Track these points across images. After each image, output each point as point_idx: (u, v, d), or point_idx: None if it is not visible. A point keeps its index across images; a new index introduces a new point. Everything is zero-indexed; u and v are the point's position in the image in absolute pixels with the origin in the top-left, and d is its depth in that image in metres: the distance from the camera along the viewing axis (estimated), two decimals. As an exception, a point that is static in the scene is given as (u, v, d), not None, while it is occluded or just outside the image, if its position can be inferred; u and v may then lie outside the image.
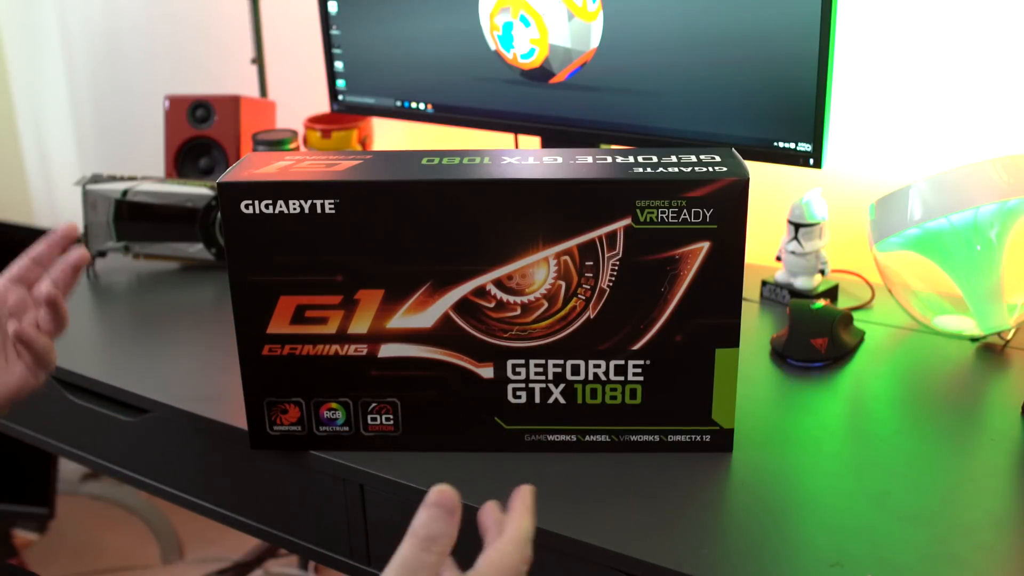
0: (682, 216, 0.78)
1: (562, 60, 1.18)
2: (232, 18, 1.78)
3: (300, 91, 1.67)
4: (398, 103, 1.35)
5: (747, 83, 1.07)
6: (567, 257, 0.80)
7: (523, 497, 0.59)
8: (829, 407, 0.97)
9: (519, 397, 0.86)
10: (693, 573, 0.72)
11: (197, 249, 1.31)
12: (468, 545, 0.85)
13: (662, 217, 0.78)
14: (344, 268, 0.82)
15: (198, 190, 1.29)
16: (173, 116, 1.50)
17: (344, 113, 1.42)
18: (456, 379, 0.85)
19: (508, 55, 1.22)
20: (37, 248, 0.87)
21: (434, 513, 0.52)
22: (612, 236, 0.79)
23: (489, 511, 0.60)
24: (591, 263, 0.80)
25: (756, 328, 1.13)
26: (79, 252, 0.87)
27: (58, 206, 2.30)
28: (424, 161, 0.83)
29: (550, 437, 0.87)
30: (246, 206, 0.80)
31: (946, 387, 1.00)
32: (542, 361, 0.84)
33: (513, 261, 0.81)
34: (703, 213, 0.78)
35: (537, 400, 0.86)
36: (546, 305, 0.82)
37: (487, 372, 0.85)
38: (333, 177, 0.80)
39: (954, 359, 1.05)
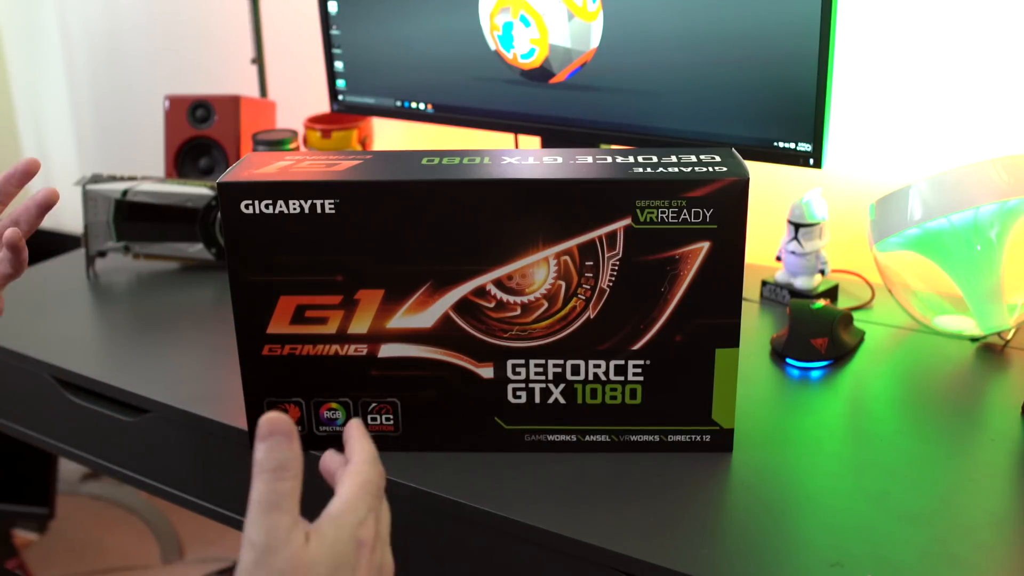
0: (682, 216, 0.78)
1: (562, 60, 1.18)
2: (232, 18, 1.78)
3: (300, 91, 1.67)
4: (398, 103, 1.35)
5: (747, 83, 1.07)
6: (567, 257, 0.80)
7: (355, 426, 0.60)
8: (829, 407, 0.97)
9: (519, 397, 0.86)
10: (693, 573, 0.72)
11: (197, 249, 1.31)
12: (456, 539, 0.85)
13: (662, 217, 0.78)
14: (344, 268, 0.82)
15: (198, 190, 1.29)
16: (173, 116, 1.50)
17: (344, 113, 1.42)
18: (456, 379, 0.85)
19: (508, 55, 1.22)
20: None
21: (272, 442, 0.50)
22: (612, 236, 0.79)
23: (330, 456, 0.60)
24: (591, 263, 0.80)
25: (756, 328, 1.13)
26: (47, 191, 0.80)
27: (58, 206, 2.29)
28: (424, 161, 0.83)
29: (550, 437, 0.87)
30: (246, 206, 0.80)
31: (946, 387, 1.00)
32: (542, 361, 0.84)
33: (513, 261, 0.81)
34: (703, 213, 0.78)
35: (537, 400, 0.86)
36: (546, 305, 0.82)
37: (487, 372, 0.85)
38: (333, 177, 0.80)
39: (954, 359, 1.05)
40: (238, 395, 0.88)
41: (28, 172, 0.83)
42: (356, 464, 0.57)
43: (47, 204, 0.81)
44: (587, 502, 0.81)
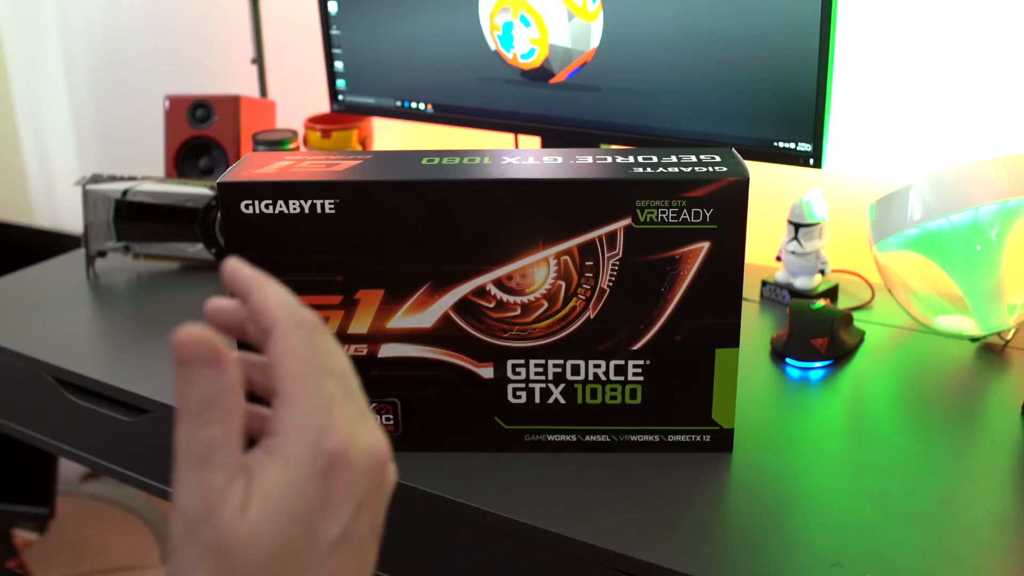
0: (682, 216, 0.78)
1: (562, 60, 1.18)
2: (232, 18, 1.78)
3: (300, 91, 1.67)
4: (398, 103, 1.35)
5: (747, 83, 1.07)
6: (567, 257, 0.80)
7: (241, 269, 0.40)
8: (829, 407, 0.97)
9: (519, 397, 0.86)
10: (693, 573, 0.72)
11: (197, 249, 1.31)
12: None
13: (662, 217, 0.78)
14: (344, 268, 0.82)
15: (198, 190, 1.29)
16: (173, 116, 1.50)
17: (344, 113, 1.42)
18: (456, 379, 0.85)
19: (508, 55, 1.22)
20: None
21: (192, 373, 0.36)
22: (612, 236, 0.79)
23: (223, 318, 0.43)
24: (591, 263, 0.80)
25: (756, 328, 1.13)
26: None
27: (58, 206, 2.30)
28: (424, 161, 0.83)
29: (550, 437, 0.87)
30: (246, 206, 0.80)
31: (946, 387, 1.00)
32: (542, 361, 0.84)
33: (513, 261, 0.81)
34: (703, 213, 0.78)
35: (537, 400, 0.86)
36: (546, 305, 0.82)
37: (487, 372, 0.85)
38: (333, 177, 0.80)
39: (954, 359, 1.05)
40: (238, 395, 0.88)
41: None
42: (280, 338, 0.39)
43: None
44: (587, 502, 0.80)
